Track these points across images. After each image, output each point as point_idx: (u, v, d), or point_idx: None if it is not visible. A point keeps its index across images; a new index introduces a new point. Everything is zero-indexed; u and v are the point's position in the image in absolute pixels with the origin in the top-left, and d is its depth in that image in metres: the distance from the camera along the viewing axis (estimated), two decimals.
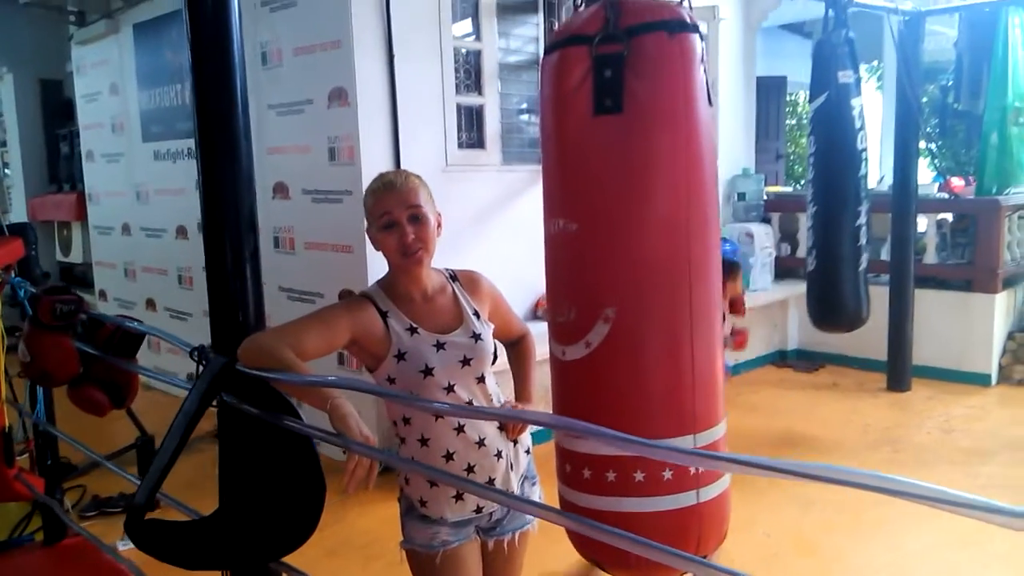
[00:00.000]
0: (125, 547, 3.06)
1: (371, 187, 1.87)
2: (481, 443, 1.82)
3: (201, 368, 1.75)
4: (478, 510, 1.86)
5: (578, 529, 1.33)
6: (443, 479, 1.80)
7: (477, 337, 1.85)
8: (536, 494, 1.98)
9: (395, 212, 1.79)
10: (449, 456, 1.82)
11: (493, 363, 1.94)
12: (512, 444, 1.89)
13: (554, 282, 1.49)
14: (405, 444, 1.86)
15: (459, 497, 1.83)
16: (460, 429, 1.81)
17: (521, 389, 2.05)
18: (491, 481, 1.85)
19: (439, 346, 1.80)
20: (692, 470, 1.37)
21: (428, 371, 1.78)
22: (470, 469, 1.83)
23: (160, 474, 1.62)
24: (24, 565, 3.09)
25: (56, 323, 2.15)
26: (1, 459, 2.78)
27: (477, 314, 1.90)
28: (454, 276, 1.95)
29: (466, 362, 1.82)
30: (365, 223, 1.89)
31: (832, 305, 4.14)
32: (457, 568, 1.86)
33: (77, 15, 6.43)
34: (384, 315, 1.81)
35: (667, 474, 1.35)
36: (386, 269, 1.92)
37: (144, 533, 1.63)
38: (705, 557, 1.47)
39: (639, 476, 1.36)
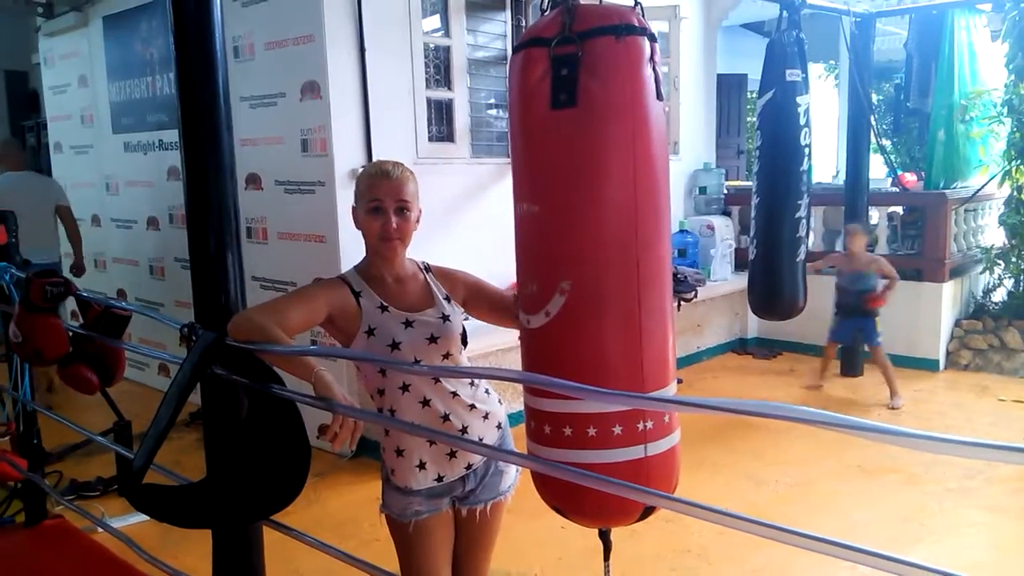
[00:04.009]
0: (118, 523, 3.13)
1: (368, 171, 2.00)
2: (445, 418, 1.95)
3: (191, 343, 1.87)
4: (439, 479, 1.98)
5: (542, 470, 1.48)
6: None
7: (445, 318, 1.99)
8: (510, 467, 2.10)
9: (385, 201, 1.92)
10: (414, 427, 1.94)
11: (465, 347, 2.08)
12: (480, 420, 2.01)
13: (520, 259, 1.65)
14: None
15: (422, 466, 1.97)
16: (426, 403, 1.94)
17: None
18: (453, 454, 1.98)
19: (407, 324, 1.94)
20: (640, 426, 1.52)
21: (395, 345, 1.91)
22: (432, 440, 1.96)
23: (156, 440, 1.74)
24: (6, 546, 3.17)
25: (47, 305, 2.25)
26: None
27: (448, 299, 2.04)
28: (428, 268, 2.09)
29: (433, 340, 1.95)
30: (352, 201, 2.01)
31: (770, 294, 4.29)
32: (427, 538, 2.01)
33: (45, 7, 6.41)
34: (357, 295, 1.94)
35: (617, 429, 1.50)
36: (358, 258, 2.06)
37: (141, 495, 1.75)
38: (654, 510, 1.62)
39: (592, 431, 1.50)
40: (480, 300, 2.09)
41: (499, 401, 2.11)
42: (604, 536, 1.66)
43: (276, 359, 1.73)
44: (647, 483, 1.48)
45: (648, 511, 1.57)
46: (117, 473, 3.95)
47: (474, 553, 2.14)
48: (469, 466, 2.02)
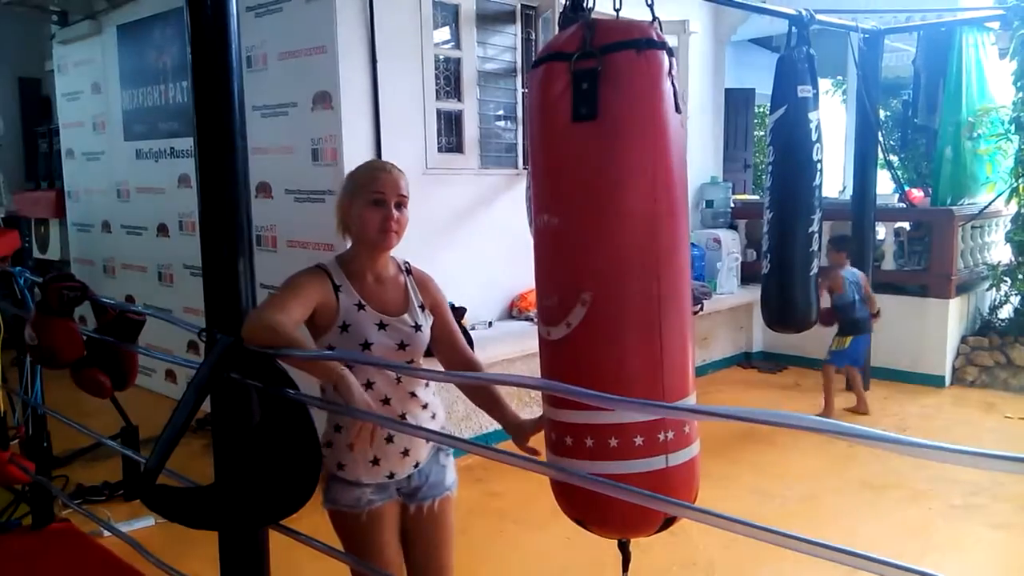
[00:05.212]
0: (124, 527, 3.14)
1: (368, 165, 2.07)
2: (402, 416, 2.00)
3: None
4: (390, 476, 2.02)
5: (560, 478, 1.49)
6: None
7: (418, 327, 2.03)
8: (450, 463, 2.15)
9: (388, 194, 1.98)
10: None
11: (428, 356, 2.12)
12: (430, 418, 2.06)
13: (540, 271, 1.67)
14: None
15: (375, 462, 2.00)
16: (386, 401, 1.99)
17: (506, 411, 2.09)
18: (406, 452, 2.02)
19: (381, 325, 1.98)
20: (661, 437, 1.53)
21: (367, 345, 1.95)
22: (390, 439, 2.00)
23: (171, 442, 1.76)
24: (13, 549, 3.18)
25: (62, 308, 2.28)
26: None
27: (423, 307, 2.08)
28: (408, 269, 2.12)
29: (402, 346, 2.00)
30: (342, 197, 2.04)
31: (784, 307, 4.32)
32: (379, 524, 2.03)
33: (59, 15, 6.48)
34: (336, 288, 1.98)
35: (638, 440, 1.51)
36: None
37: (154, 495, 1.76)
38: (674, 521, 1.62)
39: (613, 442, 1.51)
40: (434, 326, 2.11)
41: (434, 394, 2.15)
42: (624, 547, 1.67)
43: (297, 361, 1.75)
44: (667, 494, 1.48)
45: (668, 522, 1.58)
46: (124, 477, 3.97)
47: (433, 554, 2.15)
48: (416, 464, 2.06)
